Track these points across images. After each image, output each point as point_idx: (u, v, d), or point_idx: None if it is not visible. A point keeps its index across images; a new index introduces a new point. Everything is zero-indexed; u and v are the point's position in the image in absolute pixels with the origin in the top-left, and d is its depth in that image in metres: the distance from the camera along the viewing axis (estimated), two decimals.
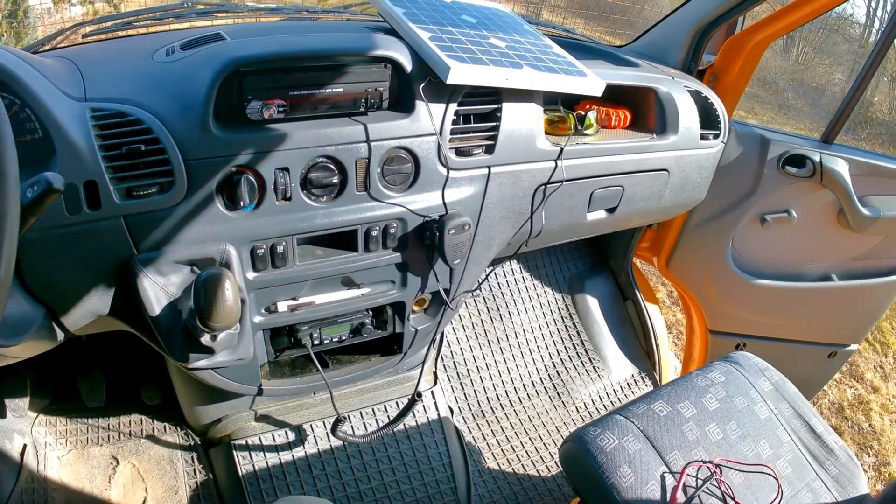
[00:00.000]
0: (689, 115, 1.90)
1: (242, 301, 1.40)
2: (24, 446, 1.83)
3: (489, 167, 1.63)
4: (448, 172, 1.57)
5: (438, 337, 2.35)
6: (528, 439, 2.36)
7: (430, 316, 1.85)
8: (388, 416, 2.14)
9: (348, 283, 1.63)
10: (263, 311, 1.57)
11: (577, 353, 2.65)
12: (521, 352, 2.58)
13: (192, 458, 1.98)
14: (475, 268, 1.77)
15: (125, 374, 2.12)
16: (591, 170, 1.81)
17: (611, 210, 1.95)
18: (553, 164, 1.71)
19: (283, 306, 1.58)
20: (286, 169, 1.39)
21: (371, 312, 1.75)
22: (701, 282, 2.44)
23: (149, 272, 1.32)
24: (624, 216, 2.01)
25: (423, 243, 1.61)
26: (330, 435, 1.99)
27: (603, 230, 2.12)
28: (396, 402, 2.18)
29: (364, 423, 2.13)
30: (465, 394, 2.41)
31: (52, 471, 1.84)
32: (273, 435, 2.00)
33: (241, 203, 1.36)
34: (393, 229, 1.56)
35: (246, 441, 1.96)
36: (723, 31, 2.14)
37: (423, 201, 1.57)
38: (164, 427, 2.03)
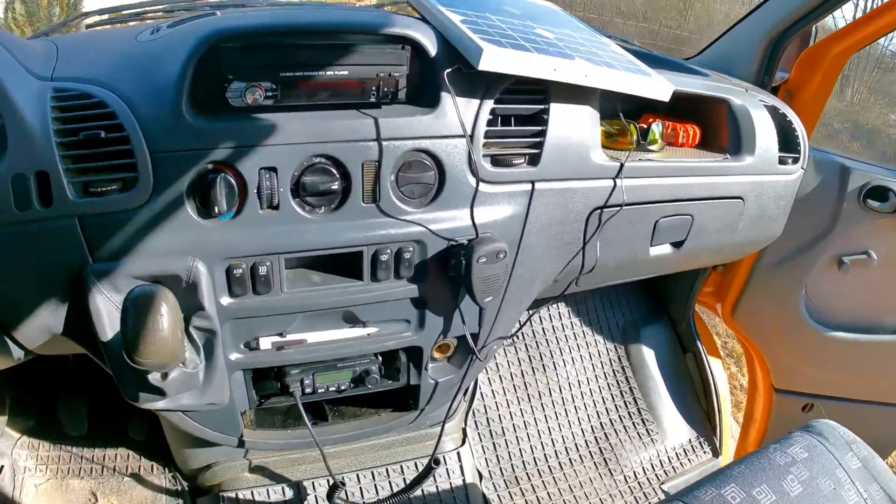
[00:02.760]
0: (766, 134, 1.72)
1: (198, 332, 1.24)
2: (2, 468, 1.79)
3: (533, 182, 1.41)
4: (480, 185, 1.36)
5: (470, 388, 2.19)
6: None
7: (453, 366, 1.63)
8: (405, 480, 1.92)
9: (351, 319, 1.41)
10: (242, 347, 1.37)
11: (628, 412, 2.44)
12: (564, 409, 2.37)
13: None
14: (512, 309, 1.55)
15: (112, 402, 1.98)
16: (656, 193, 1.60)
17: (678, 244, 1.75)
18: (611, 182, 1.50)
19: (266, 343, 1.37)
20: (273, 169, 1.21)
21: (380, 358, 1.53)
22: (769, 332, 2.29)
23: (103, 287, 1.17)
24: (692, 252, 1.79)
25: (447, 274, 1.39)
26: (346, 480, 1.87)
27: (666, 269, 1.91)
28: (416, 463, 1.96)
29: (375, 485, 1.91)
30: (497, 456, 2.20)
31: (28, 499, 1.78)
32: (269, 491, 1.84)
33: (216, 209, 1.18)
34: (408, 254, 1.34)
35: (237, 494, 1.82)
36: (795, 44, 2.03)
37: (448, 220, 1.35)
38: (151, 466, 1.93)
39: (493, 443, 2.21)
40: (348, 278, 1.36)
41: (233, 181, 1.18)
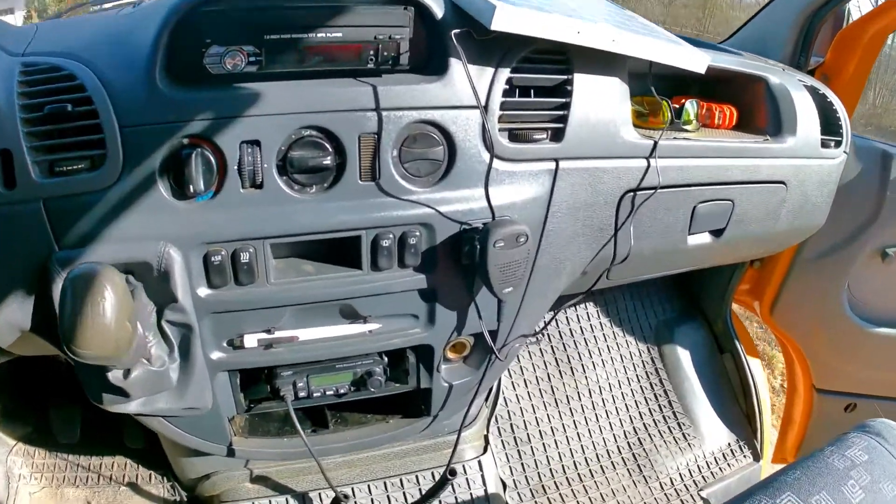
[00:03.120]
0: (808, 115, 1.64)
1: (172, 326, 1.14)
2: None
3: (557, 160, 1.29)
4: (496, 163, 1.23)
5: (492, 392, 2.07)
6: None
7: (470, 367, 1.50)
8: (421, 491, 1.80)
9: (349, 314, 1.28)
10: (225, 345, 1.26)
11: (663, 416, 2.34)
12: (595, 414, 2.27)
13: None
14: (536, 303, 1.42)
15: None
16: (693, 175, 1.49)
17: (717, 233, 1.64)
18: (644, 163, 1.38)
19: (251, 340, 1.24)
20: (256, 143, 1.10)
21: (385, 358, 1.40)
22: (810, 330, 2.22)
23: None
24: (732, 242, 1.69)
25: (460, 262, 1.25)
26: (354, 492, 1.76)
27: (705, 261, 1.81)
28: (432, 473, 1.84)
29: (388, 497, 1.79)
30: (522, 464, 2.09)
31: None
32: (271, 502, 1.74)
33: (192, 188, 1.07)
34: (414, 239, 1.21)
35: None
36: (828, 27, 1.99)
37: (460, 201, 1.22)
38: (149, 476, 1.87)
39: (518, 450, 2.11)
40: (345, 267, 1.23)
41: (211, 157, 1.07)
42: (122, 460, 1.88)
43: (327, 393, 1.39)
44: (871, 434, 1.50)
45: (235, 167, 1.09)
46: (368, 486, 1.79)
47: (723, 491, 2.19)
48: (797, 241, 1.95)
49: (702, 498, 2.15)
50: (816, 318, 2.18)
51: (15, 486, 1.75)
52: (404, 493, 1.81)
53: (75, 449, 1.88)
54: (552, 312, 1.51)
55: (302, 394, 1.35)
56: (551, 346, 2.32)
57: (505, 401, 2.17)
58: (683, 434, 2.31)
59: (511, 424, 2.14)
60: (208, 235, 1.12)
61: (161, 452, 1.78)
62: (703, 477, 2.23)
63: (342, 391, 1.39)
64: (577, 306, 2.40)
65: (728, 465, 2.30)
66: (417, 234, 1.20)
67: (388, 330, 1.32)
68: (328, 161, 1.12)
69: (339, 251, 1.21)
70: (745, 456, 2.33)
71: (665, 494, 2.15)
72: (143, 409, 1.17)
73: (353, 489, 1.75)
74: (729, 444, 2.34)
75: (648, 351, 2.45)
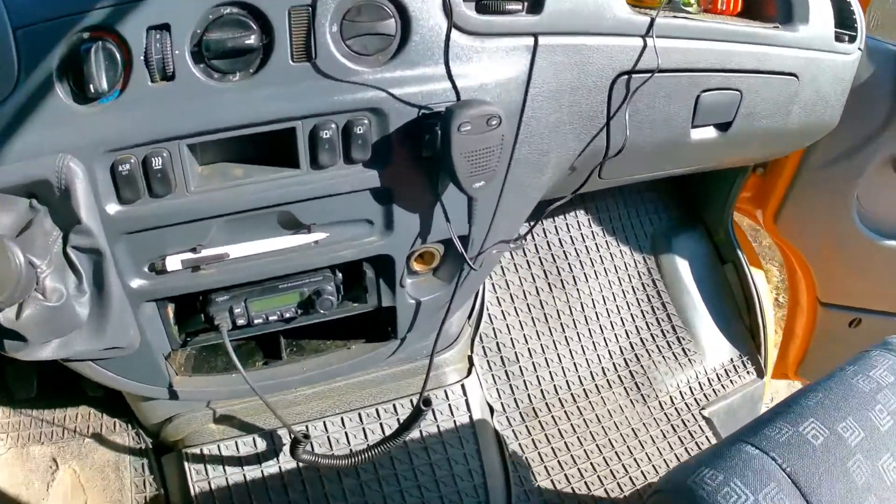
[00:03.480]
0: (820, 4, 1.51)
1: (78, 253, 0.99)
2: None
3: (535, 35, 1.11)
4: (462, 38, 1.06)
5: (477, 307, 1.94)
6: (596, 447, 1.95)
7: (441, 280, 1.33)
8: (399, 421, 1.68)
9: (290, 223, 1.11)
10: (146, 270, 1.09)
11: (661, 330, 2.25)
12: (588, 329, 2.16)
13: (143, 465, 1.72)
14: (516, 202, 1.26)
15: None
16: (696, 59, 1.32)
17: (724, 127, 1.50)
18: (640, 42, 1.22)
19: (174, 262, 1.07)
20: (165, 27, 0.93)
21: (338, 274, 1.23)
22: (816, 241, 2.15)
23: None
24: (740, 138, 1.55)
25: (420, 155, 1.08)
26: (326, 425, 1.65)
27: (707, 160, 1.67)
28: (411, 401, 1.72)
29: (364, 428, 1.67)
30: (510, 386, 1.98)
31: None
32: (237, 443, 1.64)
33: (93, 88, 0.91)
34: (361, 128, 1.02)
35: (201, 449, 1.63)
36: None
37: (417, 82, 1.04)
38: (114, 424, 1.77)
39: (506, 371, 2.00)
40: (281, 167, 1.07)
41: (115, 50, 0.91)
42: (85, 410, 1.81)
43: (271, 319, 1.23)
44: (893, 351, 1.40)
45: (142, 57, 0.93)
46: (342, 418, 1.69)
47: (725, 409, 2.11)
48: (808, 142, 1.85)
49: (704, 417, 2.06)
50: (823, 229, 2.10)
51: None
52: (381, 424, 1.70)
53: (36, 404, 1.81)
54: (537, 217, 1.36)
55: (241, 321, 1.20)
56: (539, 258, 2.20)
57: (490, 318, 2.06)
58: (683, 350, 2.24)
59: (497, 343, 2.04)
60: (113, 142, 0.96)
61: (123, 398, 1.70)
62: (704, 395, 2.16)
63: (288, 315, 1.24)
64: (567, 214, 2.28)
65: (731, 381, 2.23)
66: (366, 122, 1.02)
67: (337, 240, 1.15)
68: (252, 41, 0.94)
69: (274, 150, 1.04)
70: (748, 372, 2.27)
71: (665, 414, 2.07)
72: (60, 353, 1.04)
73: (324, 423, 1.64)
74: (731, 359, 2.27)
75: (645, 262, 2.35)
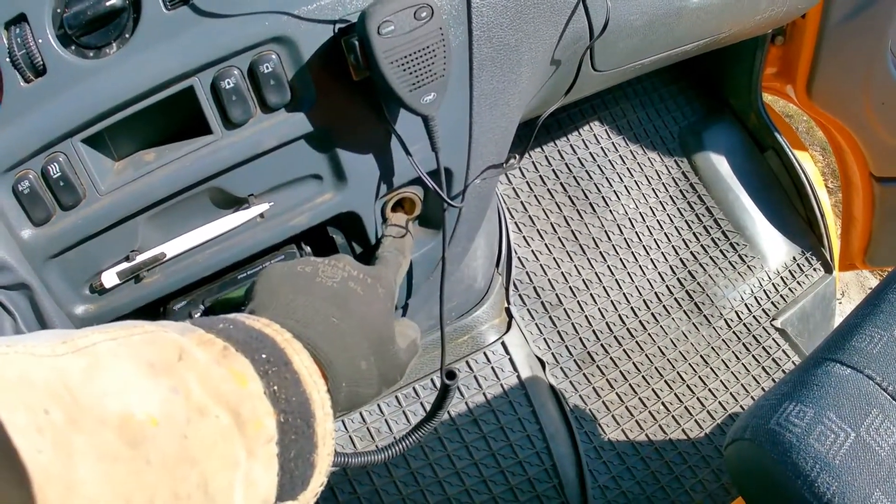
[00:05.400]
0: None
1: (6, 293, 0.87)
2: None
3: None
4: None
5: (504, 252, 1.73)
6: (665, 383, 1.76)
7: (431, 230, 1.11)
8: (423, 405, 1.53)
9: (224, 201, 0.92)
10: (87, 292, 0.93)
11: (712, 239, 2.04)
12: (632, 254, 1.94)
13: None
14: (496, 114, 1.03)
15: None
16: None
17: None
18: None
19: (110, 277, 0.90)
20: (22, 19, 0.81)
21: (307, 247, 1.03)
22: (858, 107, 1.95)
23: None
24: None
25: (352, 81, 0.86)
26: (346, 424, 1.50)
27: (714, 28, 1.43)
28: (432, 380, 1.56)
29: (386, 420, 1.48)
30: (559, 333, 1.76)
31: None
32: None
33: None
34: (269, 66, 0.83)
35: None
36: None
37: None
38: None
39: (550, 317, 1.79)
40: (194, 139, 0.87)
41: None
42: None
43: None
44: None
45: (7, 59, 0.80)
46: (361, 413, 1.49)
47: (798, 315, 1.92)
48: None
49: (776, 328, 1.88)
50: (861, 91, 1.90)
51: None
52: (404, 412, 1.50)
53: None
54: (533, 131, 1.14)
55: None
56: (561, 184, 1.97)
57: (521, 261, 1.84)
58: (740, 257, 2.05)
59: (535, 288, 1.82)
60: (4, 160, 0.82)
61: None
62: (772, 304, 1.98)
63: None
64: (581, 128, 2.04)
65: (798, 283, 2.05)
66: (273, 56, 0.81)
67: (284, 207, 0.94)
68: (112, 1, 0.77)
69: (183, 120, 0.85)
70: (814, 269, 2.09)
71: (734, 333, 1.89)
72: None
73: (342, 422, 1.47)
74: (794, 258, 2.10)
75: (678, 165, 2.14)
